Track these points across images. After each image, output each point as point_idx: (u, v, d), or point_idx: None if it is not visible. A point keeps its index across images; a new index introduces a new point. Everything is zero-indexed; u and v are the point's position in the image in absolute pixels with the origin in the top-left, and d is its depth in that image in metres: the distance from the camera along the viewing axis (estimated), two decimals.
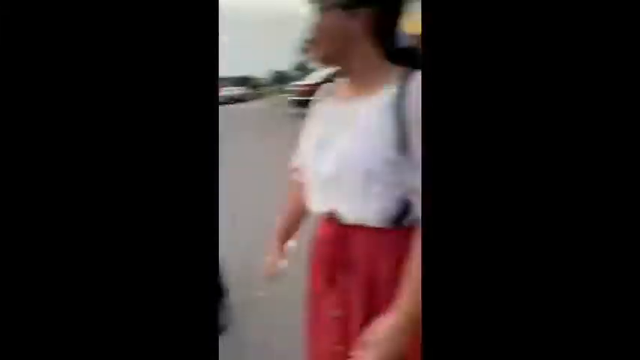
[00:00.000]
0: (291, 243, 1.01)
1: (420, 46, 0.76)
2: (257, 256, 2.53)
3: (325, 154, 0.77)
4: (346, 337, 0.79)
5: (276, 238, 1.01)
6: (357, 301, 0.78)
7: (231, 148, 5.46)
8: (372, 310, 0.76)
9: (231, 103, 21.32)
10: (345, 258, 0.78)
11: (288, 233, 1.02)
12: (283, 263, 0.99)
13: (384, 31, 0.75)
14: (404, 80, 0.72)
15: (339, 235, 0.78)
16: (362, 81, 0.77)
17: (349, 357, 0.73)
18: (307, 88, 9.56)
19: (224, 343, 1.81)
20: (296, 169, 0.96)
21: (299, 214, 0.99)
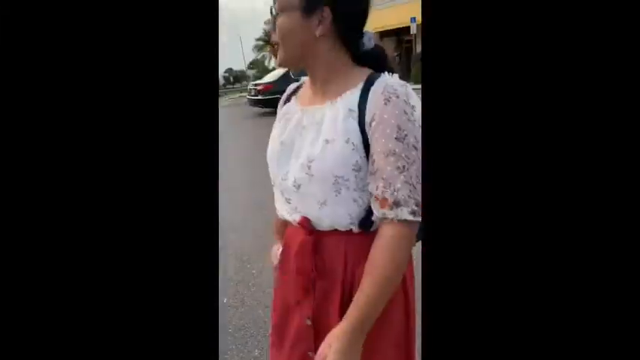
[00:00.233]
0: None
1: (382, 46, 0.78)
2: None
3: (291, 160, 0.76)
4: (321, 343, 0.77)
5: (275, 232, 0.98)
6: (334, 307, 0.77)
7: None
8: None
9: None
10: (321, 265, 0.77)
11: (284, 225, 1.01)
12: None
13: (346, 31, 0.73)
14: (368, 84, 0.71)
15: (313, 242, 0.76)
16: (327, 83, 0.75)
17: None
18: (265, 87, 9.46)
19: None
20: None
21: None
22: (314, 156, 0.71)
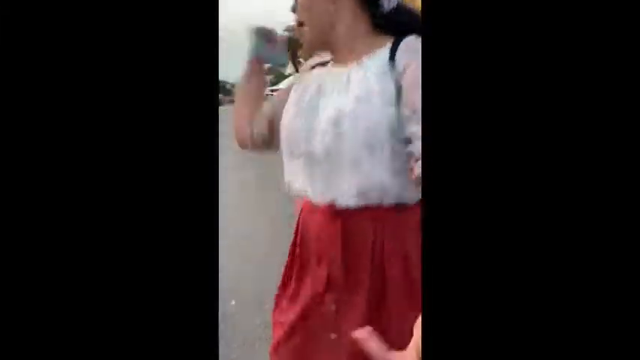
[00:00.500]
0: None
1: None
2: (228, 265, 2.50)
3: (314, 123, 0.70)
4: (345, 327, 0.70)
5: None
6: (361, 298, 0.70)
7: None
8: (380, 314, 0.70)
9: None
10: (347, 254, 0.70)
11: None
12: None
13: None
14: (395, 44, 0.69)
15: (340, 227, 0.69)
16: (349, 51, 0.73)
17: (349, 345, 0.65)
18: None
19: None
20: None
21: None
22: (344, 113, 0.66)
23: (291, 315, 0.78)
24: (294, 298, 0.79)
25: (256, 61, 0.87)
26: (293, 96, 0.78)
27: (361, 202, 0.68)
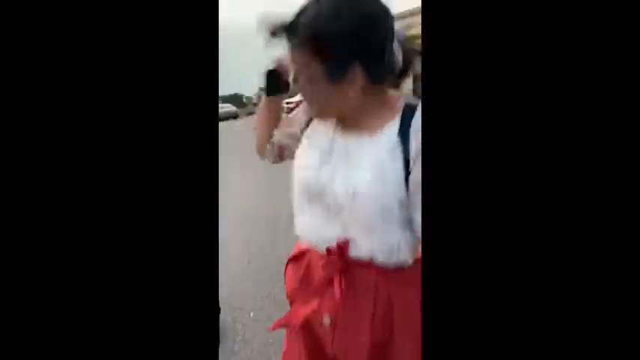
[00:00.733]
0: None
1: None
2: (247, 279, 2.50)
3: (333, 180, 0.70)
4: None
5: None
6: (363, 339, 0.72)
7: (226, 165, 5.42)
8: (381, 351, 0.72)
9: (222, 120, 21.36)
10: (349, 297, 0.72)
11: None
12: None
13: (378, 74, 0.66)
14: (405, 117, 0.67)
15: (342, 266, 0.71)
16: (359, 118, 0.70)
17: None
18: (297, 105, 9.57)
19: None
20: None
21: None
22: (363, 184, 0.66)
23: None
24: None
25: (270, 99, 0.88)
26: (307, 144, 0.78)
27: (369, 257, 0.70)
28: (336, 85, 0.63)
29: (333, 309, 0.74)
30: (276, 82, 0.83)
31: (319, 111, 0.72)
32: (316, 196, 0.73)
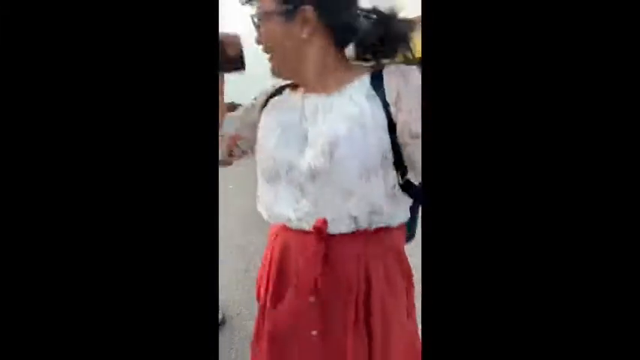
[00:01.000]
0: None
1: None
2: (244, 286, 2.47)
3: (302, 147, 0.67)
4: (331, 354, 0.71)
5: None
6: (347, 318, 0.70)
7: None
8: (366, 327, 0.70)
9: None
10: (332, 279, 0.69)
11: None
12: None
13: (336, 25, 0.65)
14: (376, 72, 0.66)
15: (325, 252, 0.68)
16: (324, 82, 0.69)
17: None
18: None
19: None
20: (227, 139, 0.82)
21: None
22: (339, 138, 0.63)
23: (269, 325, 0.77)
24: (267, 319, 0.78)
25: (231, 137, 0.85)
26: (268, 121, 0.75)
27: (352, 228, 0.68)
28: (290, 25, 0.63)
29: (315, 290, 0.69)
30: (223, 58, 0.78)
31: (281, 63, 0.69)
32: (286, 171, 0.69)
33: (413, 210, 0.74)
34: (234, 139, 0.83)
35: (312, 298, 0.70)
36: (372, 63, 0.70)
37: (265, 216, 0.75)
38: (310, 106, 0.69)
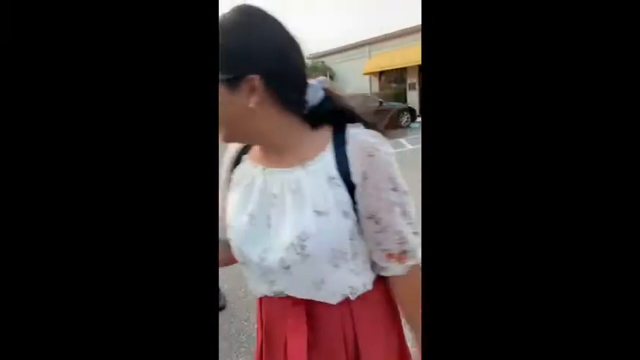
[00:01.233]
0: None
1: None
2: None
3: (269, 237, 0.66)
4: None
5: None
6: None
7: None
8: None
9: None
10: (317, 340, 0.68)
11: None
12: None
13: (284, 93, 0.62)
14: (338, 142, 0.63)
15: (306, 315, 0.68)
16: (283, 151, 0.66)
17: None
18: None
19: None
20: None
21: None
22: (308, 233, 0.61)
23: None
24: None
25: None
26: (234, 200, 0.72)
27: (331, 302, 0.68)
28: (236, 94, 0.60)
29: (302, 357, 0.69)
30: None
31: (230, 133, 0.65)
32: (256, 263, 0.67)
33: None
34: None
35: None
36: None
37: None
38: (274, 184, 0.67)
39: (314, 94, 0.65)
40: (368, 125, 0.66)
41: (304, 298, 0.68)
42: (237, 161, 0.76)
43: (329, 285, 0.65)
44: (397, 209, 0.63)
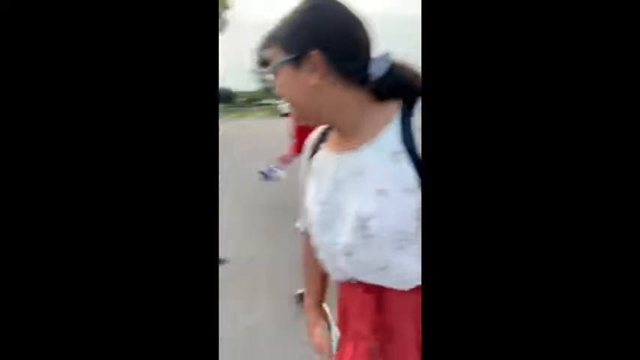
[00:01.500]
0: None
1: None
2: None
3: (337, 223, 0.67)
4: None
5: (311, 309, 0.86)
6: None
7: None
8: None
9: None
10: (388, 326, 0.68)
11: (321, 297, 0.88)
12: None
13: (346, 68, 0.62)
14: (405, 116, 0.63)
15: (375, 300, 0.68)
16: (353, 128, 0.66)
17: None
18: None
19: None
20: (304, 232, 0.82)
21: (324, 277, 0.85)
22: (370, 213, 0.61)
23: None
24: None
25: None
26: (310, 190, 0.74)
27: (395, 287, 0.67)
28: (300, 73, 0.62)
29: (377, 338, 0.69)
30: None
31: (301, 110, 0.67)
32: (325, 247, 0.70)
33: None
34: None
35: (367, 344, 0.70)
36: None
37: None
38: (341, 169, 0.67)
39: (378, 67, 0.64)
40: None
41: (375, 284, 0.67)
42: (315, 149, 0.77)
43: (394, 269, 0.64)
44: None
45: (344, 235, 0.65)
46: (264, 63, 0.66)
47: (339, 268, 0.70)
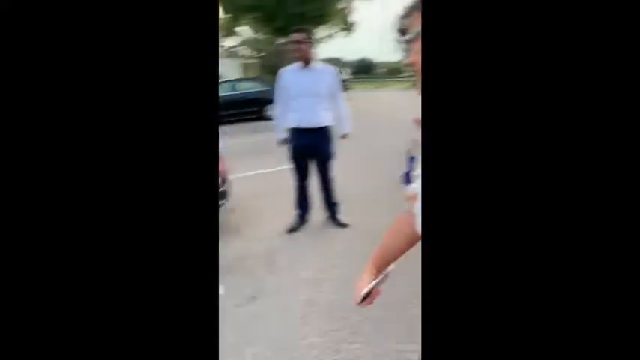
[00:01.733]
0: (390, 267, 0.88)
1: None
2: None
3: None
4: None
5: (369, 268, 0.87)
6: None
7: None
8: None
9: None
10: None
11: (380, 266, 0.88)
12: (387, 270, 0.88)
13: None
14: None
15: None
16: None
17: None
18: None
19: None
20: (411, 198, 0.79)
21: (402, 248, 0.85)
22: None
23: None
24: None
25: None
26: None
27: None
28: None
29: None
30: None
31: None
32: None
33: None
34: None
35: None
36: None
37: None
38: None
39: None
40: None
41: None
42: None
43: None
44: None
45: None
46: (403, 32, 0.66)
47: None
